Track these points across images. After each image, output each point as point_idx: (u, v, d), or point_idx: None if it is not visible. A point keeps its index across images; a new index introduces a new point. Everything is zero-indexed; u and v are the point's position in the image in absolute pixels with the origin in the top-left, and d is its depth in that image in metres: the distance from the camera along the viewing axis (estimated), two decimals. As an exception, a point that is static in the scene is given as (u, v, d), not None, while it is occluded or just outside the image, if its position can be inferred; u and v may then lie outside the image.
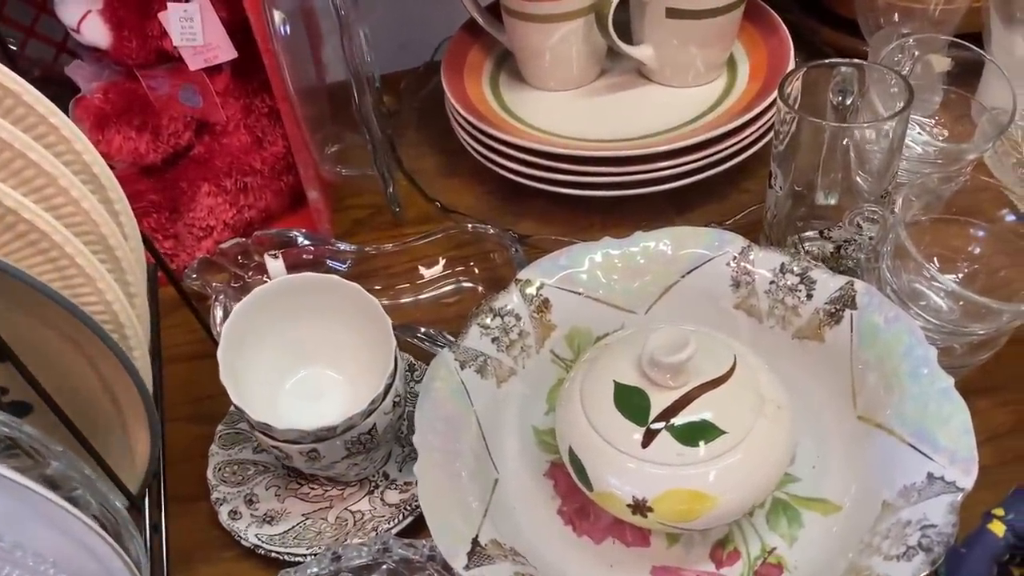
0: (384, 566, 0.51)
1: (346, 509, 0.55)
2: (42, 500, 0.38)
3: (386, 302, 0.69)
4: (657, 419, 0.47)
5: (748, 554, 0.51)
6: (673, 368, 0.47)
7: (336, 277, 0.52)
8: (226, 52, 0.66)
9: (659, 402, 0.48)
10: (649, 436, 0.47)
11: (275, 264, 0.53)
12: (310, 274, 0.52)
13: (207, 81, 0.68)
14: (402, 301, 0.69)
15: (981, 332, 0.55)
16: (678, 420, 0.47)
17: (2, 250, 0.42)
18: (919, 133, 0.69)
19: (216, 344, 0.64)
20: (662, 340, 0.48)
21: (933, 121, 0.70)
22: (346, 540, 0.53)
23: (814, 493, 0.53)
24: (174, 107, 0.68)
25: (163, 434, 0.56)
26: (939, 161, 0.66)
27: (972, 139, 0.67)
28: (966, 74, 0.71)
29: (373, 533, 0.53)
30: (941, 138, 0.69)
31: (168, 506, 0.54)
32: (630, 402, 0.48)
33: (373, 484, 0.56)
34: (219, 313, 0.65)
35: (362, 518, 0.55)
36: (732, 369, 0.49)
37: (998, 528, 0.39)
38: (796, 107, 0.67)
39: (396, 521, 0.54)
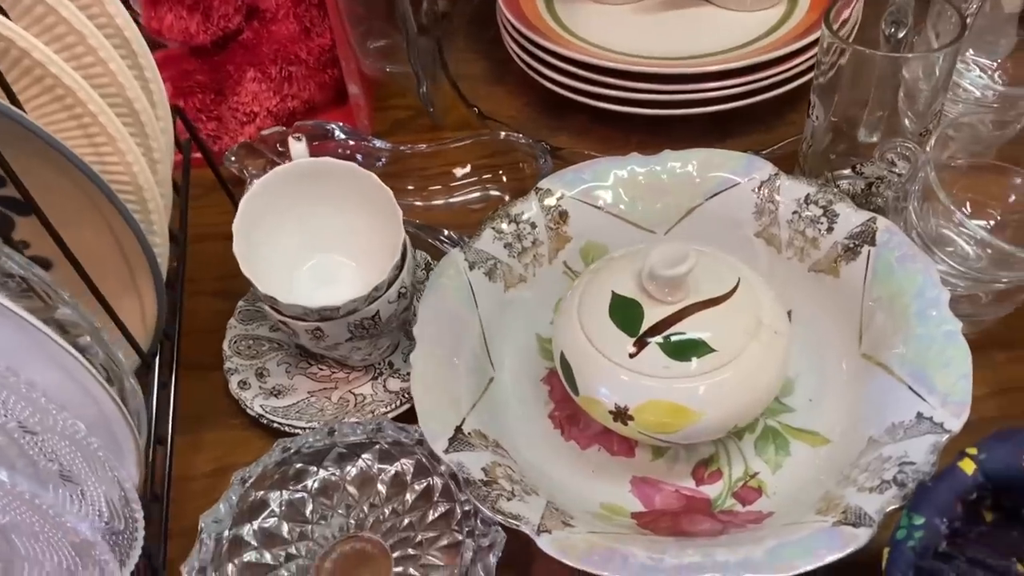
0: (376, 446, 0.53)
1: (349, 391, 0.57)
2: (46, 339, 0.40)
3: (419, 203, 0.70)
4: (648, 331, 0.47)
5: (730, 475, 0.51)
6: (670, 282, 0.47)
7: (352, 164, 0.53)
8: (279, -63, 0.66)
9: (653, 315, 0.48)
10: (638, 347, 0.47)
11: (298, 146, 0.54)
12: (327, 159, 0.53)
13: (259, -34, 0.68)
14: (432, 203, 0.70)
15: (1005, 280, 0.53)
16: (669, 334, 0.47)
17: (29, 104, 0.44)
18: (979, 76, 0.66)
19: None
20: (663, 254, 0.48)
21: (996, 65, 0.66)
22: (345, 419, 0.55)
23: (806, 425, 0.52)
24: (226, -11, 0.69)
25: (181, 303, 0.58)
26: (995, 105, 0.63)
27: (1034, 86, 0.63)
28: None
29: (371, 415, 0.55)
30: (1002, 82, 0.66)
31: (181, 371, 0.57)
32: (624, 312, 0.48)
33: (378, 371, 0.58)
34: (251, 195, 0.66)
35: (363, 400, 0.56)
36: (733, 290, 0.49)
37: (968, 466, 0.38)
38: (851, 37, 0.65)
39: (393, 406, 0.55)
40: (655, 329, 0.47)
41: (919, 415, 0.46)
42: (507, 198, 0.68)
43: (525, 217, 0.58)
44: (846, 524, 0.42)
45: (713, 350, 0.47)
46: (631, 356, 0.47)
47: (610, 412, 0.48)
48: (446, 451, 0.47)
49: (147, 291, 0.51)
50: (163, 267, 0.52)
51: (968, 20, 0.65)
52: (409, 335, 0.60)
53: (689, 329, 0.47)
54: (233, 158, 0.69)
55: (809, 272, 0.56)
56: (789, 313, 0.56)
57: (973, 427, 0.48)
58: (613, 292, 0.49)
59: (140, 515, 0.43)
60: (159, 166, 0.50)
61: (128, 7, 0.71)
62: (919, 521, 0.38)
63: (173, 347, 0.56)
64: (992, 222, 0.57)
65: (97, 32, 0.44)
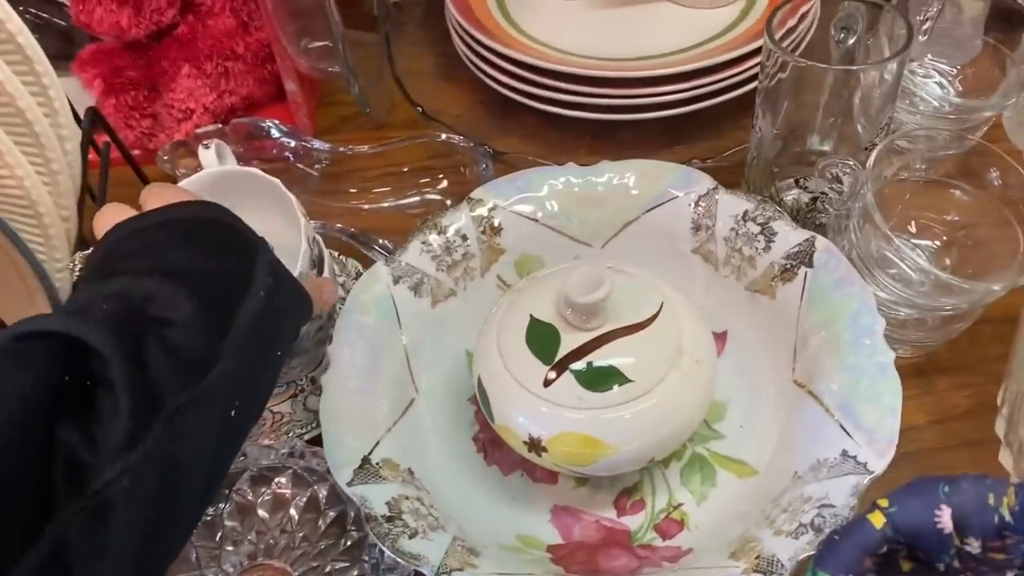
0: (290, 470, 0.51)
1: (268, 409, 0.55)
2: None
3: (366, 206, 0.68)
4: (563, 360, 0.45)
5: (653, 506, 0.49)
6: (586, 309, 0.45)
7: (256, 171, 0.50)
8: (211, -72, 0.64)
9: (569, 342, 0.46)
10: (554, 375, 0.45)
11: (207, 155, 0.51)
12: (233, 168, 0.51)
13: (192, -42, 0.66)
14: (369, 207, 0.67)
15: (950, 308, 0.51)
16: (584, 363, 0.45)
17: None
18: (937, 84, 0.64)
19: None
20: (580, 279, 0.45)
21: (956, 71, 0.64)
22: (260, 439, 0.53)
23: (735, 453, 0.50)
24: (157, -18, 0.66)
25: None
26: (952, 117, 0.60)
27: (993, 96, 0.61)
28: (1011, 22, 0.65)
29: (286, 436, 0.53)
30: (960, 92, 0.63)
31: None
32: (540, 339, 0.46)
33: (299, 387, 0.56)
34: (179, 199, 0.64)
35: (280, 419, 0.54)
36: (654, 317, 0.47)
37: (878, 519, 0.36)
38: (802, 44, 0.63)
39: (310, 427, 0.53)
40: (570, 357, 0.45)
41: (844, 452, 0.44)
42: (448, 203, 0.66)
43: (454, 228, 0.56)
44: (757, 572, 0.40)
45: (630, 380, 0.45)
46: (545, 385, 0.45)
47: (524, 442, 0.46)
48: (350, 483, 0.45)
49: (47, 311, 0.49)
50: (66, 283, 0.50)
51: (928, 25, 0.62)
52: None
53: (606, 357, 0.45)
54: (165, 157, 0.67)
55: (745, 291, 0.54)
56: (724, 334, 0.54)
57: (909, 458, 0.46)
58: (531, 316, 0.47)
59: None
60: (59, 176, 0.48)
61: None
62: (823, 578, 0.36)
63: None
64: (938, 242, 0.55)
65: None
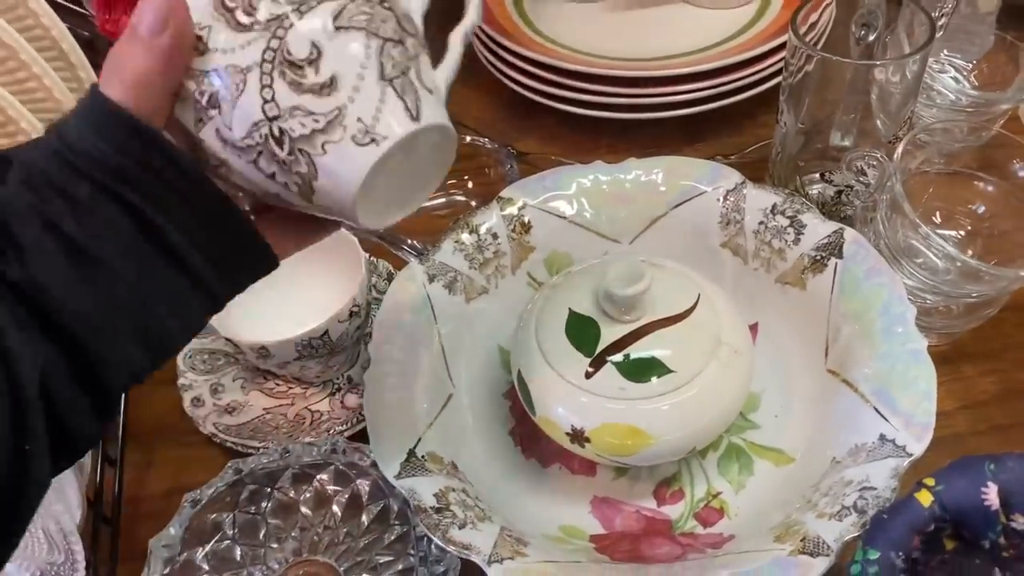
0: (332, 467, 0.52)
1: (306, 407, 0.56)
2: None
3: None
4: (605, 351, 0.46)
5: (692, 495, 0.50)
6: (626, 301, 0.46)
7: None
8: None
9: (609, 334, 0.46)
10: (594, 367, 0.46)
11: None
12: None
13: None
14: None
15: (976, 295, 0.52)
16: (626, 354, 0.46)
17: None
18: (953, 79, 0.65)
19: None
20: (619, 272, 0.46)
21: (971, 66, 0.65)
22: (300, 437, 0.54)
23: (771, 442, 0.51)
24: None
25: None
26: (970, 110, 0.62)
27: (1009, 89, 0.62)
28: (1022, 17, 0.66)
29: (326, 434, 0.54)
30: (976, 86, 0.64)
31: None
32: (581, 331, 0.47)
33: (336, 386, 0.57)
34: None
35: (319, 417, 0.55)
36: (692, 308, 0.47)
37: (925, 498, 0.37)
38: (821, 40, 0.64)
39: (350, 424, 0.54)
40: (612, 349, 0.46)
41: (882, 436, 0.45)
42: (473, 204, 0.67)
43: (486, 227, 0.57)
44: (803, 553, 0.41)
45: (671, 371, 0.45)
46: (587, 376, 0.46)
47: (567, 433, 0.47)
48: (398, 476, 0.46)
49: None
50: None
51: (943, 20, 0.64)
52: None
53: (646, 349, 0.46)
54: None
55: (776, 284, 0.55)
56: (755, 326, 0.55)
57: (942, 443, 0.47)
58: (570, 310, 0.48)
59: (79, 546, 0.42)
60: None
61: (80, 8, 0.70)
62: (874, 556, 0.37)
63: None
64: (963, 232, 0.56)
65: (28, 46, 0.43)
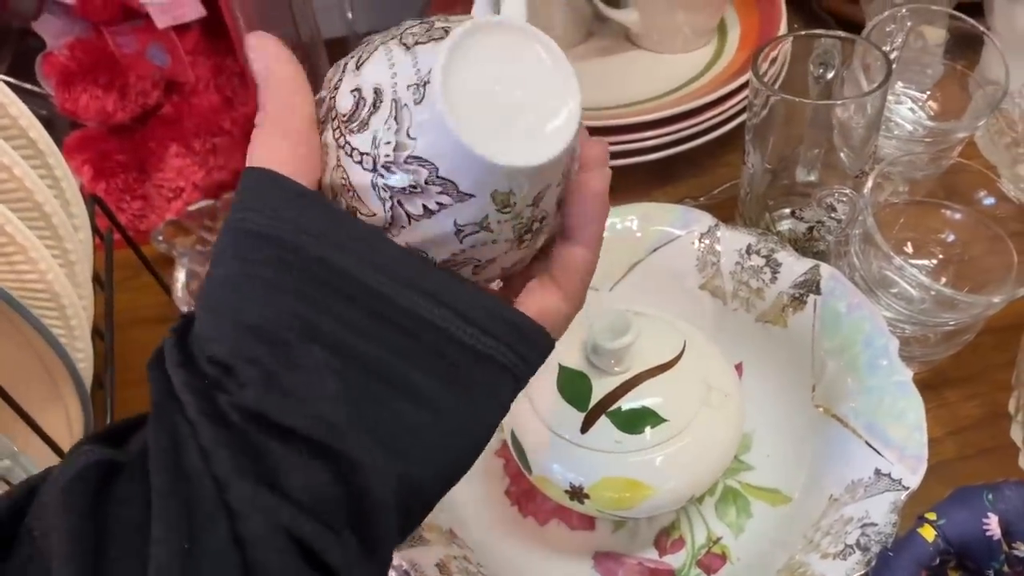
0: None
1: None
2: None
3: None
4: (598, 405, 0.46)
5: (693, 543, 0.50)
6: (614, 354, 0.46)
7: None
8: (194, 10, 0.64)
9: (601, 387, 0.46)
10: (588, 422, 0.46)
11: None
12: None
13: (175, 40, 0.66)
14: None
15: (952, 323, 0.53)
16: (619, 406, 0.46)
17: (-71, 217, 0.42)
18: (910, 110, 0.67)
19: (177, 308, 0.64)
20: (605, 325, 0.46)
21: (926, 96, 0.67)
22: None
23: (766, 483, 0.51)
24: (142, 65, 0.67)
25: (112, 400, 0.56)
26: (927, 140, 0.63)
27: (964, 117, 0.64)
28: (970, 47, 0.68)
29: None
30: (931, 115, 0.66)
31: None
32: (572, 386, 0.47)
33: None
34: (181, 276, 0.64)
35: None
36: (679, 356, 0.48)
37: (928, 533, 0.38)
38: (779, 79, 0.65)
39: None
40: (605, 402, 0.46)
41: (877, 471, 0.45)
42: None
43: (466, 285, 0.56)
44: (812, 596, 0.41)
45: (664, 419, 0.46)
46: (582, 432, 0.46)
47: (566, 491, 0.46)
48: (397, 548, 0.45)
49: (71, 398, 0.48)
50: (88, 369, 0.50)
51: (895, 54, 0.65)
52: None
53: (638, 399, 0.46)
54: (160, 237, 0.67)
55: (756, 323, 0.55)
56: (740, 366, 0.55)
57: (933, 471, 0.47)
58: (560, 365, 0.48)
59: None
60: (77, 267, 0.48)
61: (37, 88, 0.70)
62: (884, 595, 0.37)
63: (105, 451, 0.53)
64: (935, 261, 0.57)
65: (-2, 138, 0.42)
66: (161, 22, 0.64)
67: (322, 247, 0.27)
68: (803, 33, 0.58)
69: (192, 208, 0.68)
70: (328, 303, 0.26)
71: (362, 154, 0.28)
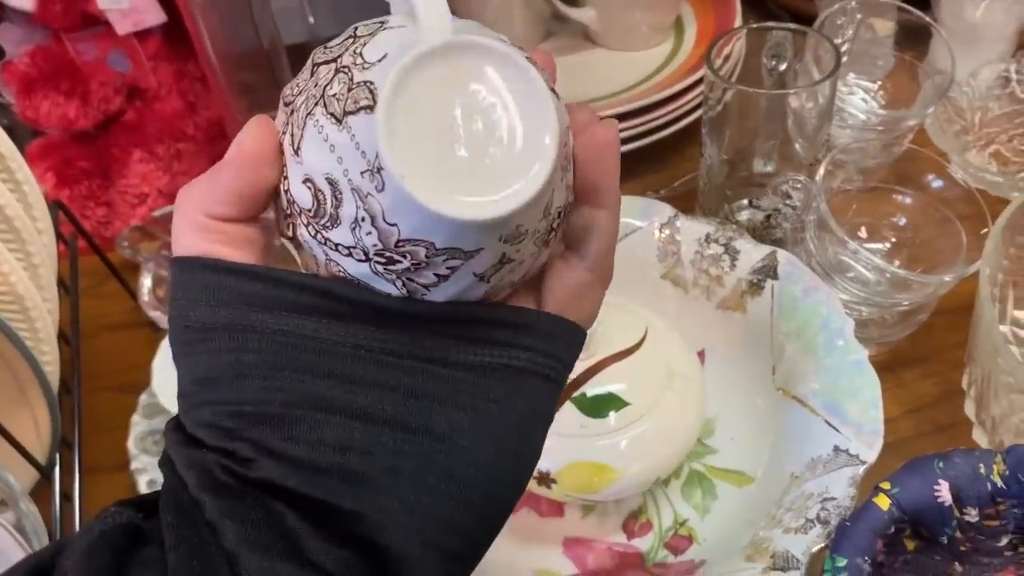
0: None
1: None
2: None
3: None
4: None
5: (660, 525, 0.51)
6: (578, 340, 0.47)
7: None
8: (154, 15, 0.65)
9: (565, 374, 0.47)
10: (554, 408, 0.47)
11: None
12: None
13: (137, 46, 0.66)
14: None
15: (907, 303, 0.54)
16: (583, 392, 0.47)
17: None
18: (862, 100, 0.68)
19: (143, 313, 0.64)
20: (569, 312, 0.47)
21: (877, 86, 0.68)
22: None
23: (730, 465, 0.52)
24: (103, 72, 0.67)
25: (79, 405, 0.56)
26: (880, 128, 0.65)
27: (914, 106, 0.66)
28: (918, 38, 0.70)
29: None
30: (883, 105, 0.68)
31: (85, 476, 0.54)
32: (537, 374, 0.48)
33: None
34: (147, 282, 0.64)
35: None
36: (641, 341, 0.49)
37: (883, 502, 0.39)
38: (734, 74, 0.67)
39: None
40: (569, 388, 0.47)
41: (836, 448, 0.46)
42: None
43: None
44: (775, 570, 0.42)
45: (627, 403, 0.46)
46: (548, 418, 0.46)
47: (534, 477, 0.47)
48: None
49: (39, 402, 0.48)
50: (54, 373, 0.50)
51: (846, 46, 0.67)
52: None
53: (602, 384, 0.47)
54: (125, 243, 0.67)
55: (717, 310, 0.56)
56: (703, 353, 0.57)
57: (891, 448, 0.49)
58: (524, 354, 0.49)
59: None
60: (40, 270, 0.48)
61: (-1, 97, 0.69)
62: (842, 563, 0.38)
63: (74, 454, 0.53)
64: (888, 244, 0.58)
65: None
66: (122, 28, 0.65)
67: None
68: (756, 26, 0.59)
69: (157, 213, 0.68)
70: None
71: (348, 248, 0.25)
